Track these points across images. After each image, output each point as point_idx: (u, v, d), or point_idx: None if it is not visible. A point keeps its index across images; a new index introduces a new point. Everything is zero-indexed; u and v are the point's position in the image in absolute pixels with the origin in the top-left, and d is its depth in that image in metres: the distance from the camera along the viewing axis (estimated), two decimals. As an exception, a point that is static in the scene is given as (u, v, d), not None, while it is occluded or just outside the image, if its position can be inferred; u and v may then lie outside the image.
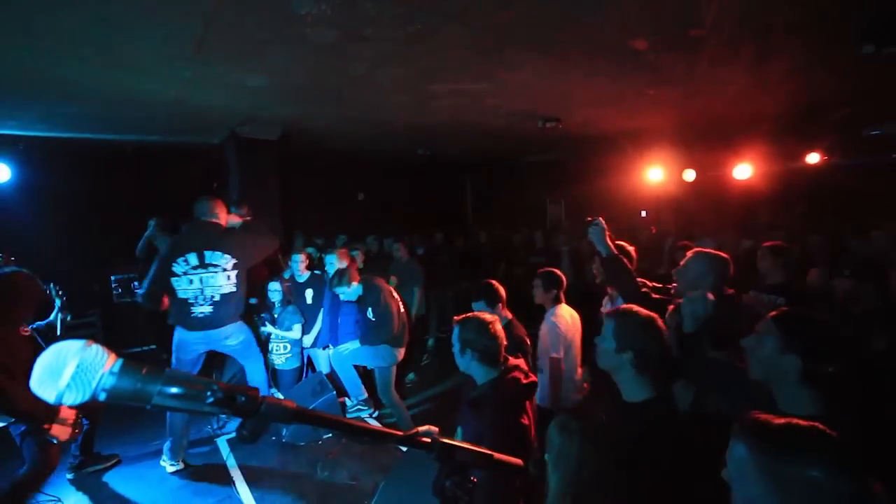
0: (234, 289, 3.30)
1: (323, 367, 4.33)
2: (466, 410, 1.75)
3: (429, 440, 0.75)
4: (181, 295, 3.15)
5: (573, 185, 7.67)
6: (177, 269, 3.20)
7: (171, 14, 2.10)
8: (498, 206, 9.01)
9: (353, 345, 3.85)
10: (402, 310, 3.84)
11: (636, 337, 1.38)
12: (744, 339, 1.33)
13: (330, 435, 3.78)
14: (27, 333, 2.67)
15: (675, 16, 2.29)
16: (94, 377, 0.58)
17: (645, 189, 6.91)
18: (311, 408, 3.32)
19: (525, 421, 1.67)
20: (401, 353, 3.78)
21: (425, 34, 2.41)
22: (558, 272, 2.88)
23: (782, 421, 0.83)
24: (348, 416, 4.08)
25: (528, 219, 7.99)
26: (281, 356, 4.28)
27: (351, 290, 3.69)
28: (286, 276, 4.33)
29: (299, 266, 4.26)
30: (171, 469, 3.35)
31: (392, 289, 3.93)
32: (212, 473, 3.37)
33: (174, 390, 0.59)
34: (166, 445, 3.35)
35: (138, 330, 5.54)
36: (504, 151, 7.23)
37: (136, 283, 5.54)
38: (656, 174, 6.52)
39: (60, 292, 3.11)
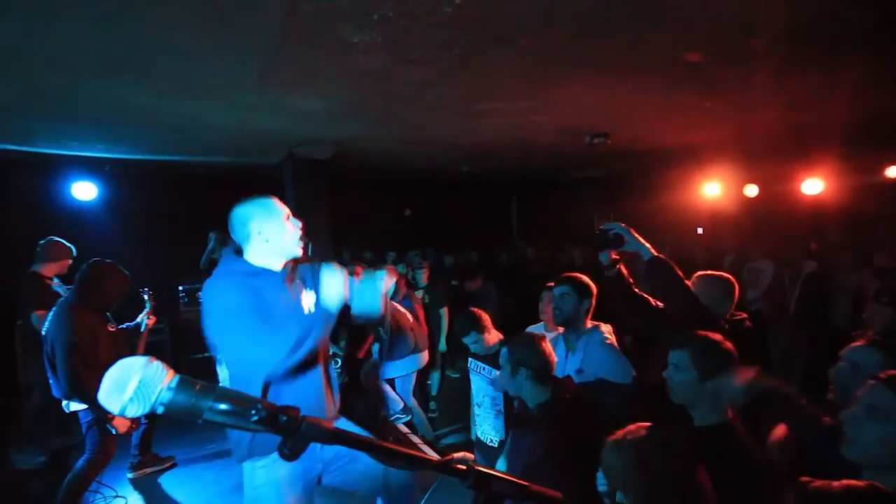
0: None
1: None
2: (518, 433, 1.70)
3: (464, 467, 0.74)
4: None
5: (622, 201, 7.43)
6: None
7: (239, 48, 2.28)
8: (544, 224, 8.88)
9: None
10: (413, 317, 3.93)
11: (719, 364, 1.34)
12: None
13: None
14: (113, 329, 2.91)
15: (735, 26, 2.20)
16: (154, 392, 0.63)
17: (701, 205, 6.57)
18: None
19: (576, 441, 1.60)
20: (423, 358, 3.98)
21: (471, 56, 2.46)
22: (587, 279, 2.34)
23: (841, 487, 0.79)
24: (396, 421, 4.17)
25: (575, 236, 7.82)
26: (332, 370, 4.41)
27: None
28: None
29: None
30: None
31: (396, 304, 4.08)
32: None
33: (223, 407, 0.64)
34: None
35: (202, 337, 5.90)
36: (551, 168, 7.15)
37: (201, 294, 5.94)
38: (713, 189, 6.19)
39: (151, 296, 3.26)
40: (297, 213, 5.02)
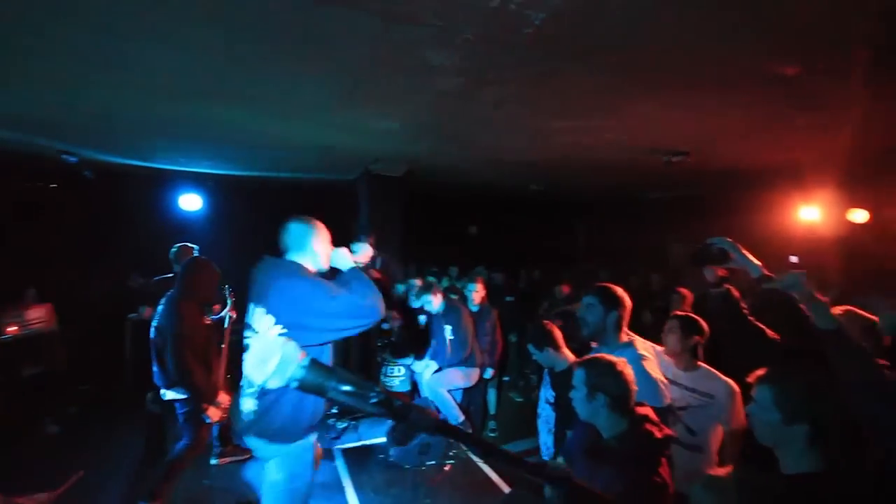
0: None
1: (425, 390, 4.51)
2: (587, 464, 1.59)
3: (561, 475, 0.74)
4: None
5: (699, 223, 6.97)
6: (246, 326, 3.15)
7: (330, 74, 2.50)
8: (611, 245, 8.55)
9: (432, 364, 4.14)
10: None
11: (808, 406, 1.22)
12: None
13: (433, 462, 3.85)
14: (208, 322, 3.19)
15: (836, 34, 2.05)
16: (290, 368, 0.71)
17: (795, 231, 5.98)
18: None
19: (659, 480, 1.47)
20: (473, 375, 4.09)
21: (547, 76, 2.51)
22: (698, 319, 2.27)
23: None
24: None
25: (645, 260, 7.45)
26: (396, 378, 4.55)
27: (437, 305, 4.10)
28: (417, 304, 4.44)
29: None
30: None
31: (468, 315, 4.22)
32: (327, 479, 3.65)
33: (346, 388, 0.71)
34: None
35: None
36: (622, 187, 6.92)
37: None
38: (810, 214, 5.62)
39: (232, 293, 3.56)
40: (370, 226, 5.25)
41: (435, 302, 4.12)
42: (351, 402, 0.71)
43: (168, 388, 3.09)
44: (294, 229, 2.13)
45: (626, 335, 2.08)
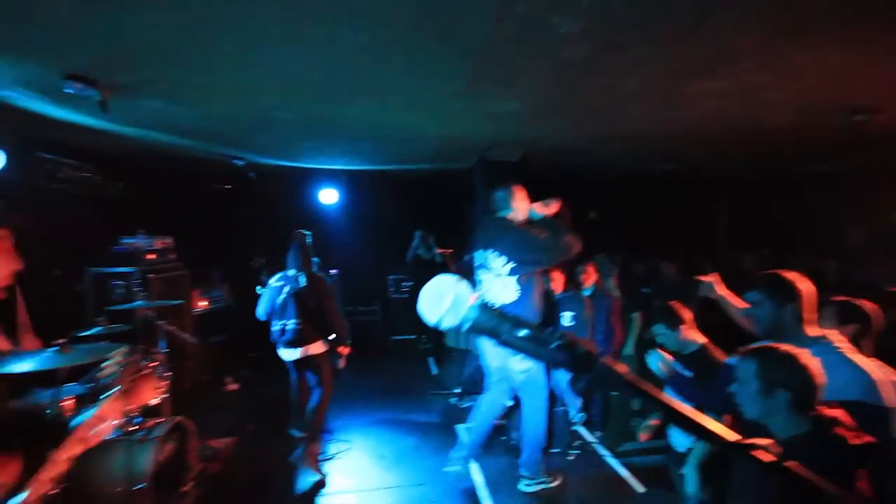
0: (515, 297, 2.92)
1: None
2: (749, 466, 1.40)
3: (771, 457, 0.62)
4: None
5: (884, 201, 5.63)
6: (475, 266, 3.22)
7: (451, 59, 2.54)
8: (764, 228, 7.36)
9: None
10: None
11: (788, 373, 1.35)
12: None
13: (558, 450, 3.77)
14: None
15: None
16: (463, 308, 0.70)
17: None
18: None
19: (852, 498, 1.23)
20: None
21: (688, 29, 2.22)
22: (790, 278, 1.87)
23: None
24: (575, 424, 4.05)
25: (811, 243, 6.26)
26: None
27: (589, 286, 4.17)
28: None
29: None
30: (531, 490, 3.20)
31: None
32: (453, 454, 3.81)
33: (522, 332, 0.68)
34: (522, 461, 3.28)
35: (406, 320, 6.92)
36: (778, 159, 5.90)
37: (404, 283, 6.96)
38: None
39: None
40: (485, 214, 5.28)
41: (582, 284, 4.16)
42: (527, 348, 0.69)
43: (305, 345, 3.65)
44: (499, 196, 3.25)
45: (816, 329, 1.78)
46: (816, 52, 2.50)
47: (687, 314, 2.55)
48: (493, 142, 4.83)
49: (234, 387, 5.39)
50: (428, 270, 3.77)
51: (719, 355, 2.39)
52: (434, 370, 6.16)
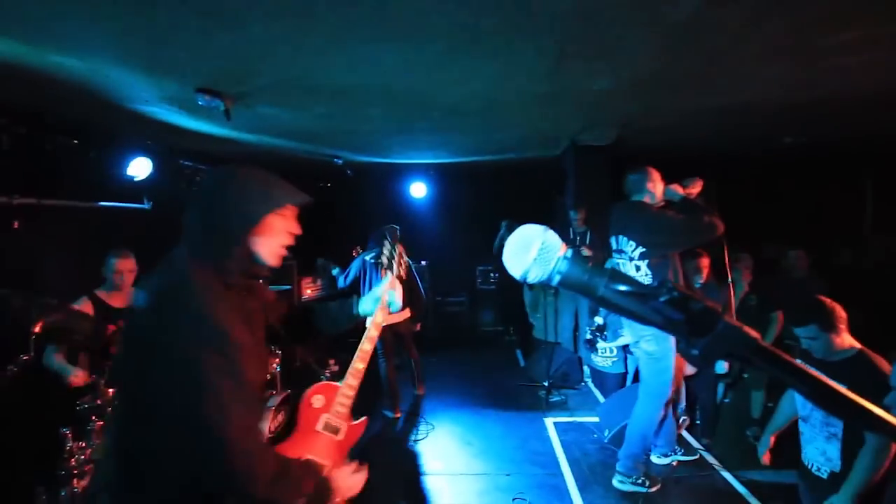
0: (648, 282, 2.86)
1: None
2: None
3: None
4: None
5: None
6: (614, 252, 3.18)
7: (538, 34, 2.43)
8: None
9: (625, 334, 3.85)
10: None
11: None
12: None
13: (664, 451, 3.49)
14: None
15: None
16: (552, 259, 0.63)
17: None
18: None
19: None
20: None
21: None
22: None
23: None
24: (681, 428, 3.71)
25: None
26: (607, 359, 4.31)
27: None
28: None
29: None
30: (624, 488, 3.02)
31: None
32: (541, 448, 3.72)
33: (622, 287, 0.58)
34: (622, 453, 3.12)
35: (493, 311, 6.92)
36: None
37: (492, 274, 6.95)
38: None
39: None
40: (578, 202, 5.07)
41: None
42: (629, 305, 0.58)
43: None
44: (632, 179, 3.13)
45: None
46: None
47: (842, 313, 2.11)
48: (586, 124, 4.58)
49: (335, 368, 5.83)
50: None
51: (882, 364, 1.94)
52: (522, 362, 6.07)
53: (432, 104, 3.64)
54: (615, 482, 3.05)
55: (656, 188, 3.08)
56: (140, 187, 4.40)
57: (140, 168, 4.14)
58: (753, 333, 0.53)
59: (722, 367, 3.74)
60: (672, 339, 2.73)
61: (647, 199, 3.06)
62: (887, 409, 1.24)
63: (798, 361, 0.54)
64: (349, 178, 6.30)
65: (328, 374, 5.46)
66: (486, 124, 4.35)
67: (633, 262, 2.98)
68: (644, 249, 2.93)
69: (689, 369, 3.56)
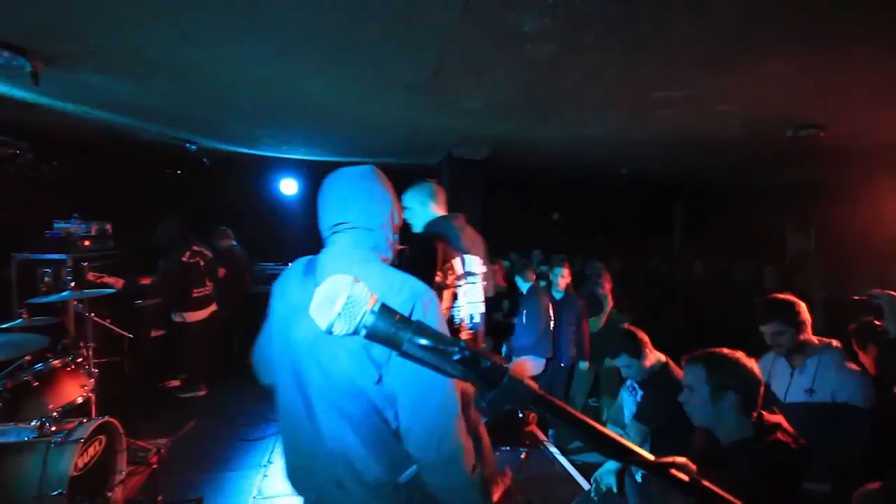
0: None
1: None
2: (703, 473, 1.42)
3: (686, 477, 0.60)
4: None
5: (827, 212, 6.01)
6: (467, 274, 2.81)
7: (417, 47, 2.47)
8: (716, 233, 7.74)
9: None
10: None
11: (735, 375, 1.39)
12: None
13: (507, 448, 3.78)
14: None
15: None
16: (359, 312, 0.61)
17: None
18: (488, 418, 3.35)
19: (789, 499, 1.28)
20: (541, 365, 3.99)
21: (651, 36, 2.25)
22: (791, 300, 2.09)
23: None
24: (528, 424, 4.07)
25: (756, 250, 6.61)
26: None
27: (525, 285, 4.11)
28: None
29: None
30: None
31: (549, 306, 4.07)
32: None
33: (423, 342, 0.59)
34: None
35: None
36: (728, 169, 6.18)
37: None
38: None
39: None
40: (451, 211, 5.19)
41: (527, 281, 4.09)
42: (429, 359, 0.60)
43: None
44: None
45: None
46: (764, 66, 2.60)
47: (643, 336, 2.36)
48: (462, 138, 4.79)
49: (175, 383, 5.05)
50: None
51: (679, 371, 2.23)
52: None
53: (298, 99, 3.43)
54: None
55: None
56: None
57: None
58: (532, 385, 0.60)
59: (583, 365, 4.21)
60: None
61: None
62: (683, 405, 1.51)
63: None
64: (207, 168, 5.59)
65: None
66: (358, 126, 4.26)
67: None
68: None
69: (531, 370, 3.95)
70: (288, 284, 1.26)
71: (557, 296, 4.25)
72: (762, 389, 1.41)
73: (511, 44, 2.38)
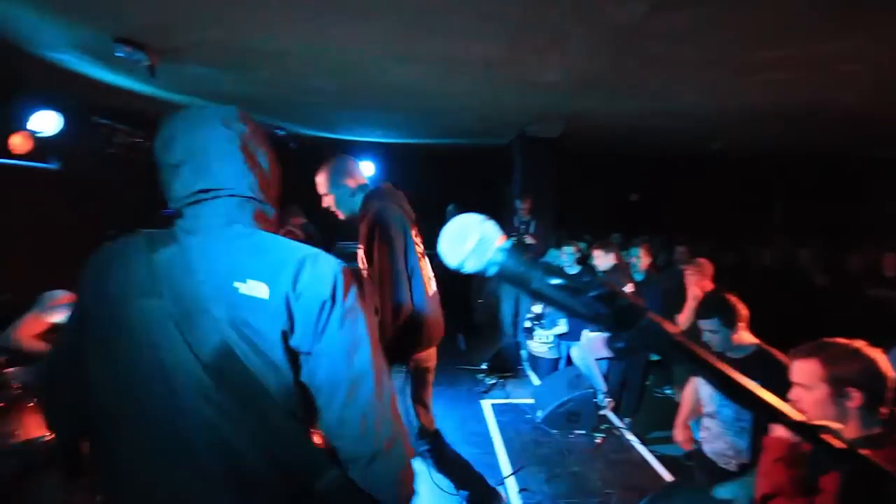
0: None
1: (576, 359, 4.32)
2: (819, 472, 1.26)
3: (842, 444, 0.54)
4: None
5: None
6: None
7: (494, 18, 2.42)
8: (825, 218, 6.86)
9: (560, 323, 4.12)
10: None
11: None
12: None
13: (583, 432, 3.72)
14: None
15: None
16: (490, 249, 0.62)
17: None
18: (565, 400, 3.31)
19: None
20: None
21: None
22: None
23: None
24: (602, 408, 3.97)
25: (874, 235, 5.78)
26: (543, 344, 4.49)
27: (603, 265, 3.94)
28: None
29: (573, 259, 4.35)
30: None
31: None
32: (477, 428, 3.83)
33: (555, 281, 0.59)
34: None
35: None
36: (844, 141, 5.42)
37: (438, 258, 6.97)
38: None
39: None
40: (524, 191, 5.16)
41: (602, 261, 3.91)
42: (560, 298, 0.59)
43: None
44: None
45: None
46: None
47: (744, 310, 2.22)
48: (536, 115, 4.67)
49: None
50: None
51: (782, 358, 2.02)
52: (462, 346, 6.17)
53: (377, 81, 3.52)
54: None
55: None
56: (47, 144, 3.89)
57: (46, 122, 3.65)
58: (673, 328, 0.57)
59: None
60: None
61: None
62: (846, 412, 1.33)
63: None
64: (293, 152, 5.99)
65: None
66: (434, 106, 4.30)
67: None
68: None
69: (606, 351, 3.83)
70: (117, 266, 0.94)
71: (638, 278, 4.05)
72: (891, 384, 1.23)
73: (593, 9, 2.26)
